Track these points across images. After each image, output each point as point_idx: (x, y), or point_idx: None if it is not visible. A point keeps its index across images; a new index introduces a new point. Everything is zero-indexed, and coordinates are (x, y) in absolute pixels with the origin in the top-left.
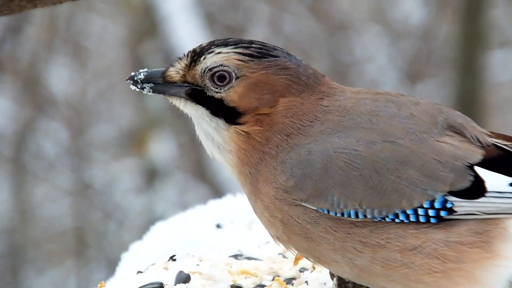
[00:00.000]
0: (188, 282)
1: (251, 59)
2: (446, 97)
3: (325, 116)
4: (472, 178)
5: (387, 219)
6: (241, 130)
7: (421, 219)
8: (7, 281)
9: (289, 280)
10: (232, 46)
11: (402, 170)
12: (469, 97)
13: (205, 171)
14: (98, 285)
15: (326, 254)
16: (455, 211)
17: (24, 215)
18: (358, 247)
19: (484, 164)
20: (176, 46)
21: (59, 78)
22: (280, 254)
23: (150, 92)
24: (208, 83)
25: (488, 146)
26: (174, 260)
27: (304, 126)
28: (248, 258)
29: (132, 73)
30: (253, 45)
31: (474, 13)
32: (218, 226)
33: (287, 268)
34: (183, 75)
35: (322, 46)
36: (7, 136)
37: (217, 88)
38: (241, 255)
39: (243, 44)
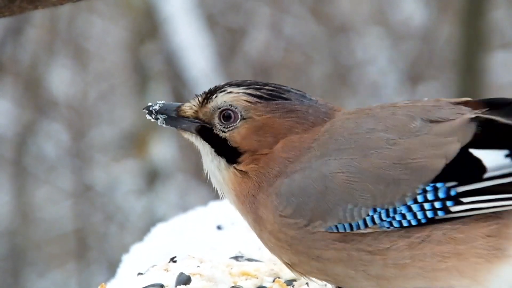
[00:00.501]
0: (188, 283)
1: (259, 101)
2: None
3: (317, 141)
4: (467, 160)
5: (394, 223)
6: (238, 170)
7: (429, 214)
8: (8, 284)
9: (290, 282)
10: (244, 87)
11: (391, 173)
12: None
13: (205, 173)
14: (99, 287)
15: (339, 272)
16: (462, 202)
17: (25, 217)
18: (366, 257)
19: (476, 143)
20: (177, 48)
21: (60, 80)
22: None
23: (163, 124)
24: (216, 121)
25: (473, 119)
26: (175, 261)
27: (298, 156)
28: (249, 260)
29: (149, 103)
30: (266, 87)
31: (475, 15)
32: (218, 227)
33: (288, 270)
34: (195, 111)
35: (323, 48)
36: (8, 138)
37: (223, 127)
38: (241, 257)
39: (256, 86)
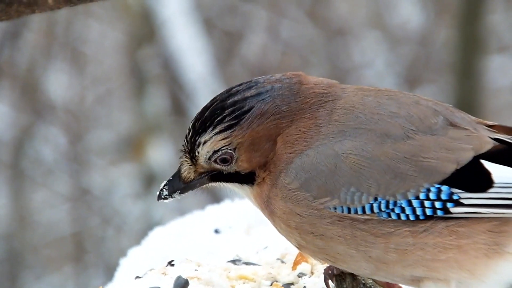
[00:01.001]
0: (186, 287)
1: (233, 129)
2: (444, 102)
3: (330, 117)
4: (477, 170)
5: (392, 215)
6: (259, 184)
7: (428, 212)
8: (5, 287)
9: (288, 285)
10: (211, 128)
11: (401, 167)
12: (468, 103)
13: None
14: None
15: (341, 251)
16: (463, 203)
17: (23, 220)
18: (370, 238)
19: (489, 157)
20: (175, 52)
21: (58, 84)
22: (278, 259)
23: (182, 196)
24: (218, 166)
25: (493, 139)
26: (173, 265)
27: (308, 144)
28: (247, 263)
29: (158, 193)
30: (226, 112)
31: (472, 18)
32: (216, 231)
33: (286, 273)
34: (195, 171)
35: (320, 52)
36: (6, 141)
37: (228, 166)
38: (239, 260)
39: (218, 118)
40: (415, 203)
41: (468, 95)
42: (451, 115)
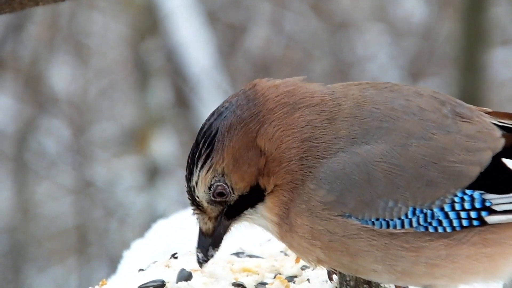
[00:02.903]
0: (189, 280)
1: (211, 157)
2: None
3: (340, 112)
4: (500, 170)
5: (430, 228)
6: (269, 196)
7: (464, 223)
8: (8, 280)
9: (291, 278)
10: (195, 168)
11: (430, 174)
12: (471, 96)
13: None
14: (100, 283)
15: (366, 265)
16: (495, 211)
17: (26, 213)
18: (401, 253)
19: (506, 153)
20: (178, 44)
21: (61, 76)
22: (281, 252)
23: (218, 251)
24: (220, 200)
25: (503, 131)
26: (176, 258)
27: (310, 141)
28: (250, 256)
29: (198, 262)
30: (200, 147)
31: (476, 11)
32: None
33: (289, 266)
34: (209, 218)
35: (323, 45)
36: (9, 134)
37: (228, 197)
38: (242, 253)
39: (197, 156)
40: (451, 214)
41: (471, 88)
42: (455, 105)
